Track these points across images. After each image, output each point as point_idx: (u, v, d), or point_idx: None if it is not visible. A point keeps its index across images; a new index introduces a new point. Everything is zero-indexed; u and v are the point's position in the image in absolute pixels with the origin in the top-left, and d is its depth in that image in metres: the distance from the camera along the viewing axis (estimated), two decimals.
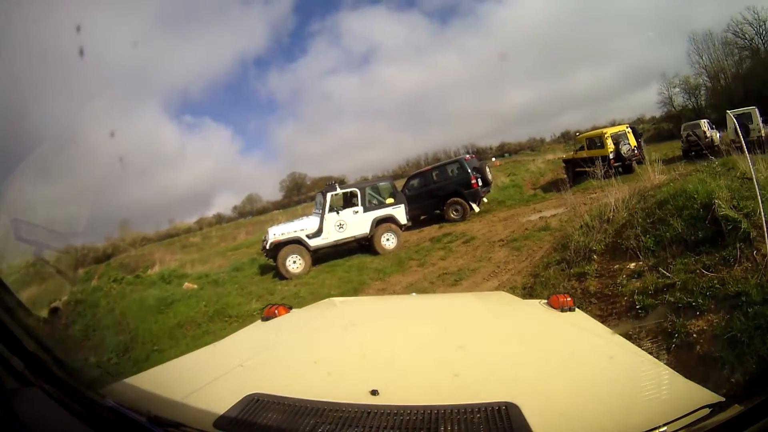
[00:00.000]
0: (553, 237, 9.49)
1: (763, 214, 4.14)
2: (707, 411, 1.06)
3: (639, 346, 2.07)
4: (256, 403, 1.28)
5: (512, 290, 6.86)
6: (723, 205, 5.34)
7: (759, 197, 3.94)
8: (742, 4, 33.61)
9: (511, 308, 2.57)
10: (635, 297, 5.10)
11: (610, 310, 5.29)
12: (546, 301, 2.19)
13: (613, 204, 7.73)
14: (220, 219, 44.51)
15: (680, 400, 1.17)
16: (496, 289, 7.47)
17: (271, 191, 64.61)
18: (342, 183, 13.85)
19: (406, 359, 1.60)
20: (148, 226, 28.77)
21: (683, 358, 3.98)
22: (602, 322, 2.61)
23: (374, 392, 1.28)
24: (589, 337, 1.80)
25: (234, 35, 76.01)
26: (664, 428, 1.03)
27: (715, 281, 4.63)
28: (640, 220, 6.60)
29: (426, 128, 73.01)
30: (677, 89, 37.34)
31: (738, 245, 4.84)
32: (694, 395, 1.21)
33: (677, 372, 1.40)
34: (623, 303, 5.22)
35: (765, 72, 28.65)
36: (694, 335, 4.11)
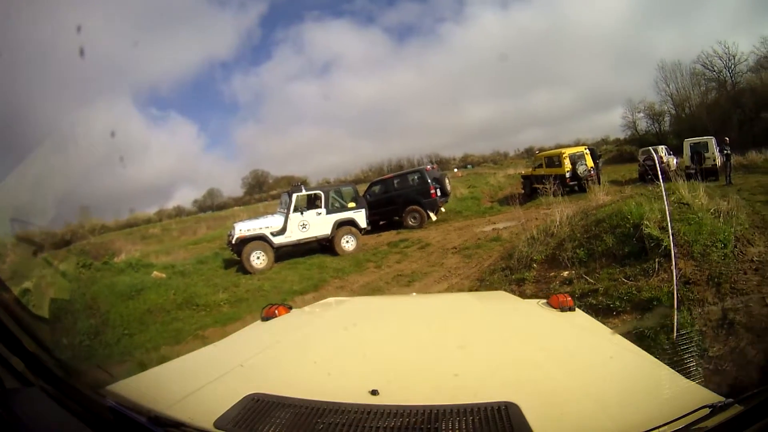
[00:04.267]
0: (503, 247, 9.99)
1: (670, 229, 4.59)
2: (707, 411, 1.05)
3: None
4: (256, 402, 1.28)
5: (459, 291, 7.25)
6: (650, 225, 5.91)
7: (668, 214, 4.42)
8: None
9: (510, 308, 2.52)
10: None
11: None
12: (546, 300, 2.16)
13: (558, 220, 8.26)
14: (179, 212, 44.01)
15: (680, 400, 1.15)
16: (446, 290, 7.86)
17: (232, 187, 63.97)
18: (305, 184, 14.04)
19: (406, 359, 1.59)
20: (107, 214, 28.02)
21: None
22: None
23: (374, 392, 1.27)
24: (589, 336, 1.80)
25: (202, 37, 75.24)
26: (664, 428, 1.03)
27: (633, 288, 5.24)
28: (578, 235, 7.17)
29: (387, 136, 74.53)
30: (641, 114, 38.43)
31: (657, 259, 5.44)
32: (694, 395, 1.20)
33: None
34: None
35: (729, 104, 29.83)
36: None
